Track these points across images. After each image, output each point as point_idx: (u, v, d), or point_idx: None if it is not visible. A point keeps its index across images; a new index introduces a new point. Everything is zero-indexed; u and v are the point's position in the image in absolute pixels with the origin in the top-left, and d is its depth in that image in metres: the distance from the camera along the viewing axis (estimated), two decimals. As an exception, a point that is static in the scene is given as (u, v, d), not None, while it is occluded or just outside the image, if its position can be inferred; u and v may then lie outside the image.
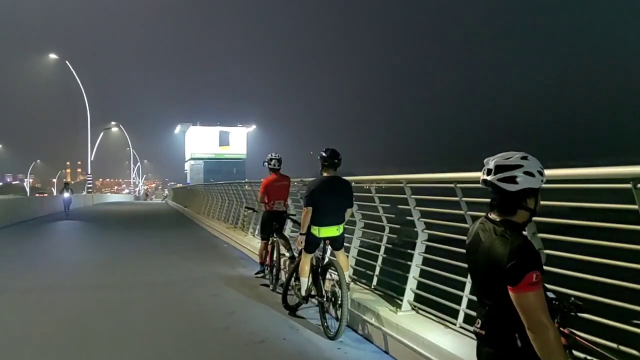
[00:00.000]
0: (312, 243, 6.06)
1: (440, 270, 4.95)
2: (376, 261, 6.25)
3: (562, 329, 2.94)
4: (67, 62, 47.86)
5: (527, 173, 2.24)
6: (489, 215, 2.37)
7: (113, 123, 71.88)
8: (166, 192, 72.21)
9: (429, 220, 5.35)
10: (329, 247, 6.22)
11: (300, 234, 6.07)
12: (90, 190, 49.83)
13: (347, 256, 6.46)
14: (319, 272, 6.09)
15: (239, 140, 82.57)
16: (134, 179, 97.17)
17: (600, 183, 3.21)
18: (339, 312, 5.55)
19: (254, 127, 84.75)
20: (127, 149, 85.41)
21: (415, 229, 5.41)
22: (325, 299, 5.84)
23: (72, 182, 61.03)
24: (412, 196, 5.37)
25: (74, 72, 47.46)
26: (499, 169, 2.25)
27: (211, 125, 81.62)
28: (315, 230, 5.97)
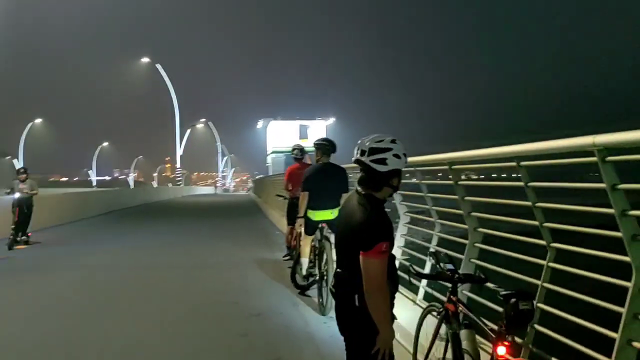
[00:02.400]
0: (309, 226, 6.49)
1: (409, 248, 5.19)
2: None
3: (452, 296, 3.20)
4: (157, 65, 51.29)
5: (395, 155, 2.49)
6: (356, 188, 2.65)
7: (202, 120, 76.10)
8: (250, 184, 75.19)
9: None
10: (328, 230, 6.60)
11: (298, 217, 6.53)
12: (179, 182, 53.18)
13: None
14: (316, 253, 6.51)
15: (318, 133, 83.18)
16: (223, 172, 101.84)
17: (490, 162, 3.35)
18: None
19: (332, 119, 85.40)
20: (216, 144, 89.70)
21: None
22: (319, 278, 6.26)
23: (173, 176, 63.93)
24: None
25: (164, 74, 50.80)
26: (372, 150, 2.47)
27: (291, 119, 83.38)
28: (311, 214, 6.40)
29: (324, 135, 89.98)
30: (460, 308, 3.11)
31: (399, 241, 5.58)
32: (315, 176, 6.39)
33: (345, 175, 6.51)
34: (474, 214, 3.89)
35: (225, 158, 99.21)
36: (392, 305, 2.64)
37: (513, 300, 2.51)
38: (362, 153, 2.49)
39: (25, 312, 6.31)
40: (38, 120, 71.82)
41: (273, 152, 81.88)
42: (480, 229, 3.88)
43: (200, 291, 7.39)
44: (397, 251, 5.59)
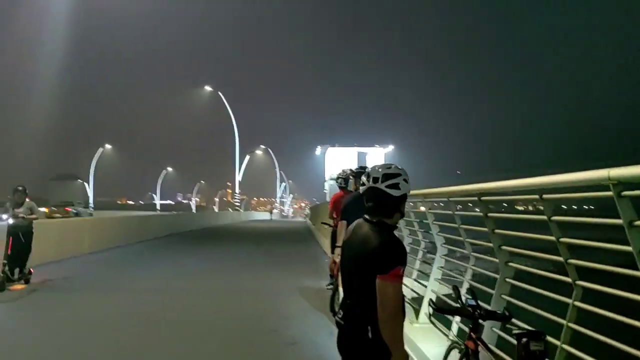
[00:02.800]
0: (348, 255, 6.45)
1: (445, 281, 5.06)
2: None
3: (472, 334, 3.11)
4: (219, 93, 53.24)
5: (405, 180, 2.54)
6: (365, 217, 2.62)
7: (262, 147, 77.75)
8: (307, 210, 75.80)
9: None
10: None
11: (336, 246, 6.51)
12: (237, 208, 54.35)
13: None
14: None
15: (376, 161, 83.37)
16: (281, 197, 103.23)
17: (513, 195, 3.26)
18: None
19: (391, 147, 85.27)
20: (275, 170, 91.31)
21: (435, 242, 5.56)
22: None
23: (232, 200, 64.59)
24: (430, 211, 5.54)
25: (225, 101, 52.60)
26: (385, 177, 2.52)
27: (349, 146, 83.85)
28: (349, 243, 6.37)
29: (381, 163, 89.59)
30: (480, 346, 3.00)
31: (435, 273, 5.46)
32: (353, 205, 6.36)
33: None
34: (504, 247, 3.76)
35: (283, 184, 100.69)
36: None
37: (524, 340, 2.40)
38: (375, 180, 2.52)
39: (68, 332, 6.62)
40: (108, 146, 75.81)
41: (331, 179, 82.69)
42: (511, 264, 3.74)
43: (241, 316, 7.48)
44: (433, 284, 5.48)
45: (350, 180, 8.98)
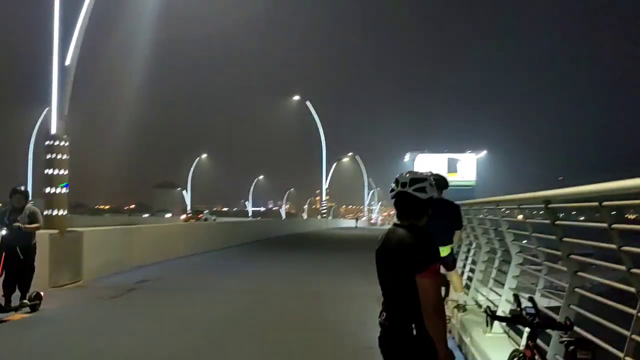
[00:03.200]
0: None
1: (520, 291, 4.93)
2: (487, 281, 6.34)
3: (529, 342, 3.09)
4: (307, 102, 54.46)
5: (431, 184, 2.68)
6: (395, 222, 2.78)
7: (350, 154, 78.43)
8: (395, 219, 75.00)
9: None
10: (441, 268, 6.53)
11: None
12: (324, 215, 55.08)
13: (461, 277, 6.66)
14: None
15: (468, 167, 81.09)
16: (369, 205, 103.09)
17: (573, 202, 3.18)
18: None
19: (484, 152, 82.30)
20: (362, 178, 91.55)
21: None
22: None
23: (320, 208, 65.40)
24: (504, 219, 5.44)
25: (312, 110, 53.73)
26: (412, 181, 2.66)
27: (439, 152, 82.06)
28: (421, 251, 6.38)
29: (474, 170, 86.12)
30: (537, 355, 2.98)
31: (509, 282, 5.35)
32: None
33: (456, 211, 6.43)
34: (572, 256, 3.66)
35: (371, 192, 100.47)
36: None
37: (572, 348, 2.38)
38: (403, 185, 2.65)
39: (159, 328, 7.19)
40: (204, 156, 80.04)
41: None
42: (581, 273, 3.62)
43: (320, 320, 7.72)
44: (508, 293, 5.36)
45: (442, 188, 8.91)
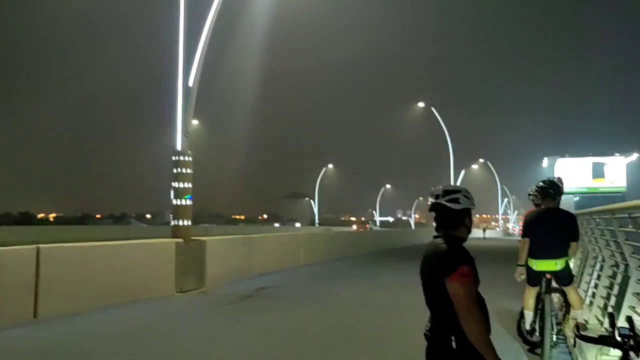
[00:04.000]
0: (531, 276, 5.99)
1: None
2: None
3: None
4: (432, 108, 53.42)
5: (465, 196, 2.75)
6: (434, 234, 2.81)
7: (480, 160, 75.22)
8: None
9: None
10: (555, 284, 5.98)
11: (518, 265, 6.09)
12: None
13: (581, 295, 6.03)
14: (539, 307, 5.95)
15: (616, 172, 73.29)
16: (503, 214, 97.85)
17: None
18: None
19: (635, 155, 73.94)
20: (496, 186, 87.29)
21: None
22: (539, 334, 5.71)
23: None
24: (620, 229, 4.84)
25: (438, 117, 52.57)
26: (445, 193, 2.76)
27: (582, 156, 75.34)
28: (532, 263, 5.91)
29: (623, 175, 78.42)
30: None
31: (629, 300, 4.73)
32: (535, 222, 5.92)
33: (573, 222, 5.85)
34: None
35: (505, 200, 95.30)
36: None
37: None
38: (437, 197, 2.77)
39: (266, 333, 7.46)
40: (330, 166, 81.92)
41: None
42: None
43: (399, 330, 7.50)
44: (626, 311, 4.76)
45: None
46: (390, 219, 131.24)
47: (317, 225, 72.66)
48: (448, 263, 2.56)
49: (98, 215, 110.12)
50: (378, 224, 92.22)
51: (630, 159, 74.33)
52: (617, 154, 75.80)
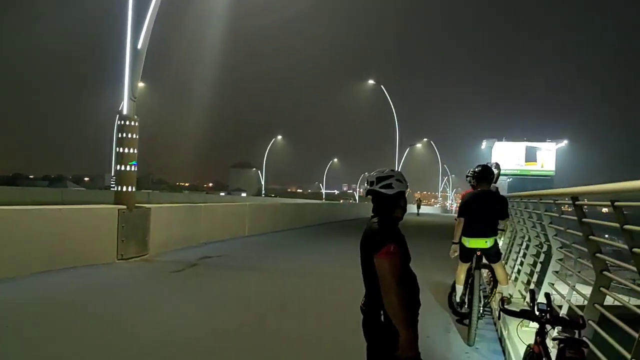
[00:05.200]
0: (464, 253, 6.41)
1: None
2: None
3: (537, 337, 3.07)
4: (382, 86, 53.95)
5: (397, 180, 2.91)
6: (372, 216, 2.98)
7: (424, 139, 76.98)
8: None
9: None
10: (485, 261, 6.42)
11: (453, 242, 6.50)
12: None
13: (507, 271, 6.52)
14: (469, 282, 6.39)
15: (547, 157, 77.21)
16: (443, 192, 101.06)
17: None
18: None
19: (565, 142, 77.94)
20: (437, 164, 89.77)
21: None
22: (468, 307, 6.15)
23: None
24: (545, 213, 5.26)
25: (387, 95, 53.20)
26: (378, 180, 2.92)
27: (517, 141, 78.70)
28: (465, 241, 6.33)
29: (553, 160, 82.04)
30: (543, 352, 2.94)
31: (549, 277, 5.19)
32: (471, 203, 6.32)
33: (503, 204, 6.30)
34: (598, 255, 3.52)
35: (445, 178, 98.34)
36: (415, 322, 2.79)
37: (562, 345, 2.37)
38: (371, 184, 2.92)
39: (209, 302, 7.60)
40: (279, 137, 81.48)
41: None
42: (606, 273, 3.48)
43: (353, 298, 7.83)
44: (546, 287, 5.21)
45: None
46: (336, 192, 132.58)
47: (263, 195, 72.54)
48: (377, 241, 2.73)
49: (31, 176, 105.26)
50: (324, 196, 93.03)
51: (560, 145, 78.42)
52: (548, 140, 79.76)
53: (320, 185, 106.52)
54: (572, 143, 79.67)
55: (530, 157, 76.17)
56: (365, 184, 3.01)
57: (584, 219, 3.62)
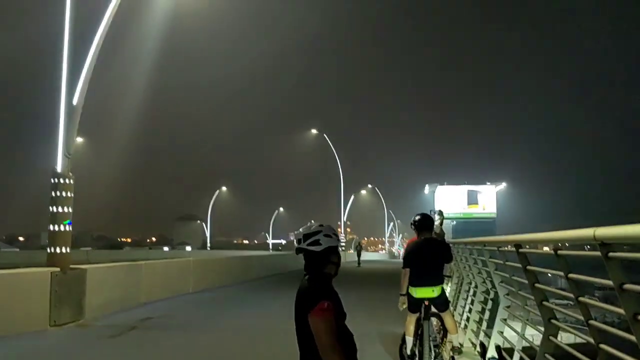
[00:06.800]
0: (412, 303, 6.33)
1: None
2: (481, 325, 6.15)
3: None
4: (324, 135, 54.92)
5: (326, 235, 2.83)
6: (304, 274, 2.92)
7: (369, 186, 78.29)
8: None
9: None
10: (433, 310, 6.37)
11: (400, 294, 6.42)
12: (343, 248, 54.69)
13: (457, 320, 6.48)
14: (419, 332, 6.29)
15: (487, 199, 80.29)
16: (389, 238, 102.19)
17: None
18: None
19: (504, 184, 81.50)
20: (382, 210, 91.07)
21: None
22: (418, 358, 6.03)
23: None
24: (490, 259, 5.31)
25: (330, 143, 54.12)
26: (305, 237, 2.84)
27: (459, 184, 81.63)
28: (412, 291, 6.26)
29: (494, 202, 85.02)
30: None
31: (498, 325, 5.18)
32: (415, 253, 6.31)
33: (446, 250, 6.33)
34: (545, 303, 3.53)
35: (391, 224, 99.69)
36: None
37: None
38: (299, 241, 2.85)
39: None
40: (224, 188, 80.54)
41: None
42: (554, 321, 3.48)
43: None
44: (496, 336, 5.20)
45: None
46: (283, 242, 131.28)
47: (209, 248, 70.72)
48: (309, 299, 2.67)
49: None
50: (271, 246, 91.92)
51: (500, 187, 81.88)
52: (488, 183, 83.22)
53: (267, 235, 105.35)
54: (511, 185, 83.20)
55: (472, 200, 79.01)
56: (294, 242, 2.94)
57: (528, 267, 3.63)
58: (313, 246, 2.81)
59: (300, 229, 2.90)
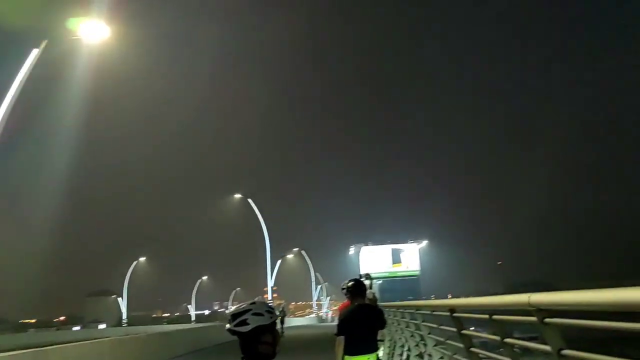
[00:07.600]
0: (348, 373, 6.14)
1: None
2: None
3: None
4: (249, 199, 54.64)
5: (255, 314, 2.62)
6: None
7: (295, 249, 77.93)
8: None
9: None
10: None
11: (334, 365, 6.22)
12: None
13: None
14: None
15: (410, 257, 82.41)
16: (318, 301, 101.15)
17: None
18: None
19: (425, 242, 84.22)
20: (310, 273, 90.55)
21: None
22: None
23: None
24: (424, 323, 5.31)
25: (255, 207, 53.88)
26: (233, 317, 2.65)
27: (383, 244, 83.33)
28: (348, 360, 6.08)
29: (417, 260, 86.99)
30: None
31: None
32: (349, 320, 6.19)
33: (379, 314, 6.27)
34: (480, 367, 3.52)
35: (319, 286, 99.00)
36: None
37: None
38: (229, 322, 2.67)
39: None
40: (141, 259, 76.67)
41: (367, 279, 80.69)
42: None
43: None
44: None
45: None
46: (207, 312, 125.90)
47: (125, 325, 66.10)
48: None
49: None
50: (193, 318, 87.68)
51: (421, 245, 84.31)
52: (410, 241, 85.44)
53: (189, 307, 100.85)
54: (431, 243, 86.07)
55: (396, 258, 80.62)
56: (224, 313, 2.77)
57: (462, 331, 3.64)
58: (240, 326, 2.63)
59: (233, 308, 2.76)
